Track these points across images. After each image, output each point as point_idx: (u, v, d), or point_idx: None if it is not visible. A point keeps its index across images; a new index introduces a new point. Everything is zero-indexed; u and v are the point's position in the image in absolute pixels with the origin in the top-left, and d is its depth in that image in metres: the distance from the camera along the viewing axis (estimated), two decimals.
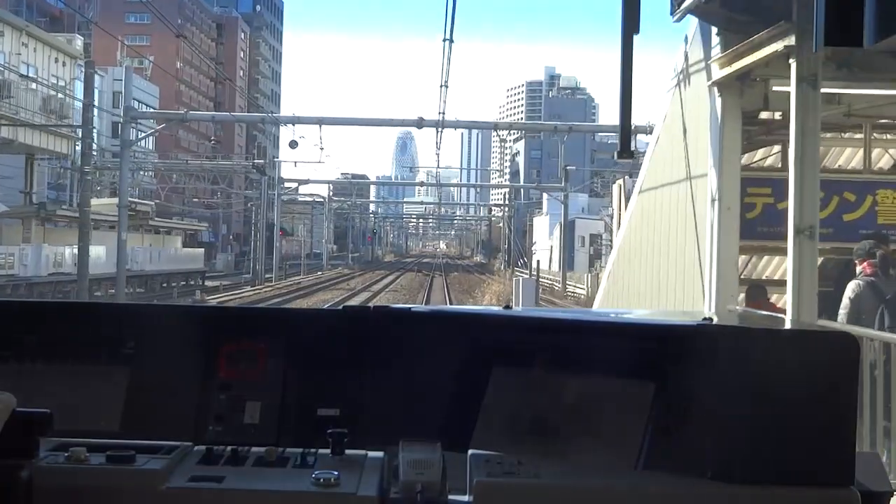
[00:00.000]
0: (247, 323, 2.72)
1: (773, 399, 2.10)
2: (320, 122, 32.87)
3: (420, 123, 30.00)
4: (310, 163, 45.29)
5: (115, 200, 47.58)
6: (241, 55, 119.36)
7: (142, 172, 70.65)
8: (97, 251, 35.41)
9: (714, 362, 2.15)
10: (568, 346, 2.44)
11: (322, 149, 34.49)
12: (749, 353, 2.13)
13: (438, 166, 48.94)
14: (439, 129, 31.21)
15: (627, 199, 68.60)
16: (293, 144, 35.87)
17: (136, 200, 49.72)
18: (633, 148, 8.71)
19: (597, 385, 2.36)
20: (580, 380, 2.38)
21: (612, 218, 78.23)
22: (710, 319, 2.34)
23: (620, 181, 78.23)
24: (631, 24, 3.70)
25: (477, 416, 2.45)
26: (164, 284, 48.88)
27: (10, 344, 2.53)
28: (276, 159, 65.33)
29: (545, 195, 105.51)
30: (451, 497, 2.19)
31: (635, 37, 4.31)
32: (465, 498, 2.17)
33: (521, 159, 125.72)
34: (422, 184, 60.53)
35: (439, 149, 29.45)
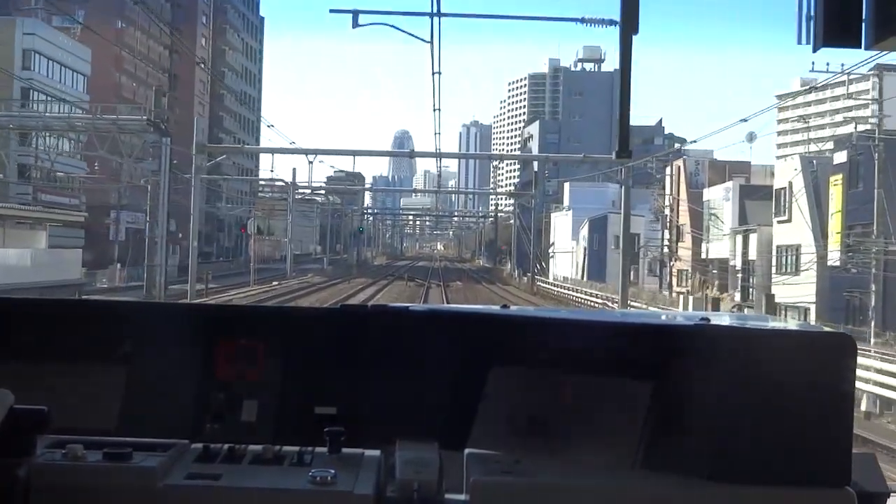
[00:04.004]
0: (244, 322, 2.70)
1: (770, 399, 2.10)
2: None
3: None
4: None
5: None
6: (204, 20, 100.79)
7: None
8: None
9: (711, 362, 2.15)
10: (565, 346, 2.42)
11: None
12: (746, 354, 2.14)
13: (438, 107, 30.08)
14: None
15: (690, 185, 49.05)
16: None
17: None
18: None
19: (594, 384, 2.35)
20: (578, 379, 2.38)
21: (671, 209, 60.53)
22: (708, 319, 2.34)
23: (680, 162, 60.08)
24: (630, 25, 3.44)
25: (474, 415, 2.45)
26: None
27: (7, 341, 2.53)
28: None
29: (566, 185, 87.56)
30: (447, 496, 2.21)
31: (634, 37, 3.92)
32: (462, 497, 2.20)
33: (534, 144, 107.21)
34: (412, 153, 40.89)
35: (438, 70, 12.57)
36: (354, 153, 39.24)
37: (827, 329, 2.42)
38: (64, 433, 2.26)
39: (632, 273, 71.23)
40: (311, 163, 39.50)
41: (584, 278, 71.89)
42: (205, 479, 2.17)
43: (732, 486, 2.09)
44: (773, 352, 2.14)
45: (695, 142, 73.42)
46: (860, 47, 2.13)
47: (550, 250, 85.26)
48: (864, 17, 2.07)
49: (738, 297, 43.52)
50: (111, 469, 2.18)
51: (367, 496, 2.13)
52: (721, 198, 49.48)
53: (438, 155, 39.43)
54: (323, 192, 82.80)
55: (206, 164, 39.25)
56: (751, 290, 43.82)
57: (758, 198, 45.62)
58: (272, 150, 46.61)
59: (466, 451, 2.32)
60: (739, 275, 45.05)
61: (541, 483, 2.15)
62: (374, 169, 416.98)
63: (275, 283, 54.28)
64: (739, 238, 45.67)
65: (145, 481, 2.15)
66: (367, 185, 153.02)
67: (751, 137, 61.07)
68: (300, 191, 70.55)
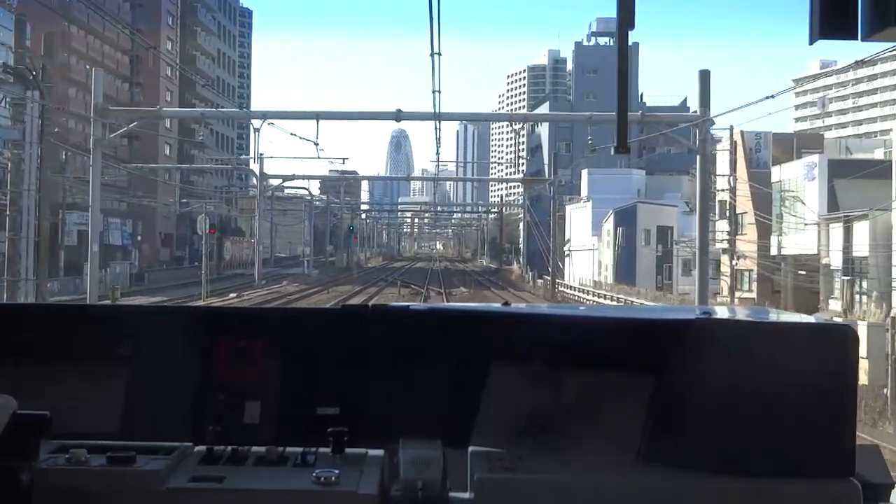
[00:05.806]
0: (245, 323, 2.67)
1: (773, 392, 2.10)
2: None
3: None
4: None
5: None
6: None
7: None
8: None
9: (713, 356, 2.15)
10: (567, 343, 2.40)
11: None
12: (748, 347, 2.13)
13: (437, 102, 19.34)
14: None
15: (749, 162, 36.47)
16: None
17: None
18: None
19: (596, 380, 2.34)
20: (579, 375, 2.37)
21: (733, 195, 49.07)
22: (709, 314, 2.31)
23: (737, 135, 48.70)
24: (626, 19, 3.33)
25: (477, 413, 2.43)
26: None
27: (10, 347, 2.51)
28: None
29: (585, 173, 76.15)
30: (451, 494, 2.20)
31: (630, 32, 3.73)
32: (466, 495, 2.19)
33: (543, 129, 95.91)
34: (398, 115, 29.99)
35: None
36: (318, 116, 28.45)
37: (829, 321, 2.40)
38: (67, 437, 2.27)
39: (665, 272, 60.50)
40: (257, 130, 28.57)
41: (610, 280, 60.84)
42: (209, 482, 2.18)
43: (737, 479, 2.08)
44: (777, 344, 2.12)
45: (712, 120, 62.05)
46: (857, 38, 2.15)
47: (566, 248, 74.03)
48: (859, 8, 2.08)
49: (838, 306, 32.21)
50: (115, 473, 2.18)
51: (372, 495, 2.13)
52: (802, 177, 38.30)
53: (437, 117, 28.74)
54: (304, 183, 71.59)
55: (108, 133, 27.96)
56: (860, 297, 32.66)
57: (857, 175, 34.44)
58: (207, 114, 35.65)
59: (470, 449, 2.31)
60: (843, 278, 33.81)
61: (544, 480, 2.14)
62: (371, 169, 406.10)
63: (232, 294, 43.04)
64: (838, 228, 34.47)
65: (149, 485, 2.15)
66: (363, 186, 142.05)
67: (823, 104, 49.51)
68: (274, 181, 59.24)
